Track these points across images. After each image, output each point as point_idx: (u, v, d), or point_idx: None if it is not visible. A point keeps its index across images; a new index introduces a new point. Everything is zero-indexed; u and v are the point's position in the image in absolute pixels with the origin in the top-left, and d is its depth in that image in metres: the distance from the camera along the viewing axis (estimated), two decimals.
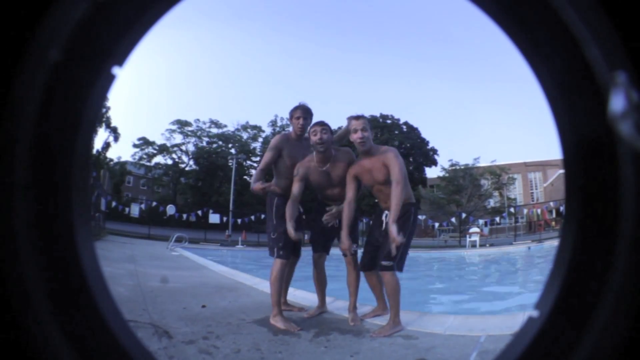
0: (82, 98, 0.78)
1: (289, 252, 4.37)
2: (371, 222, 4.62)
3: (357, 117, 4.20)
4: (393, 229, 3.68)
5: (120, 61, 0.81)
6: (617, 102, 0.66)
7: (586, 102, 0.76)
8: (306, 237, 5.43)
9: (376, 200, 4.42)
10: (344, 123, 4.57)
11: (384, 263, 4.02)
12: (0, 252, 0.74)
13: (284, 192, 4.38)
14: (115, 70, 0.81)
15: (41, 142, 0.75)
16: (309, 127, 4.41)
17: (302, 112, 4.46)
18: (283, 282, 4.42)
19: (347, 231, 4.13)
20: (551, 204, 32.60)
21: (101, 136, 37.13)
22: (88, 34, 0.77)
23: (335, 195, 4.46)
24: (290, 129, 4.65)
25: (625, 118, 0.65)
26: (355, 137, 4.16)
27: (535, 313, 0.88)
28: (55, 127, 0.76)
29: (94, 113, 0.80)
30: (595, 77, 0.74)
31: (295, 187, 4.28)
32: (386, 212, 4.25)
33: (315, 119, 4.53)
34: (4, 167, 0.73)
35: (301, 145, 4.52)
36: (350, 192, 4.27)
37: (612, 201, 0.77)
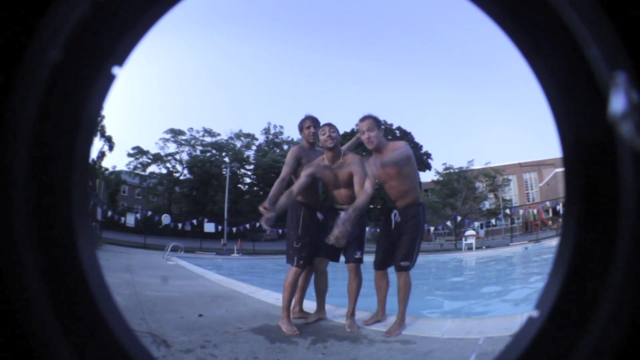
0: (82, 98, 0.77)
1: (308, 262, 4.50)
2: (381, 221, 4.69)
3: (363, 119, 4.41)
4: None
5: (120, 61, 0.81)
6: (617, 102, 0.66)
7: (586, 102, 0.76)
8: None
9: (378, 206, 4.50)
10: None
11: (403, 264, 4.18)
12: (0, 253, 0.73)
13: (309, 202, 4.56)
14: (115, 70, 0.80)
15: (41, 142, 0.75)
16: (317, 132, 4.58)
17: (311, 122, 4.71)
18: (296, 288, 4.51)
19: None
20: (547, 203, 32.64)
21: (96, 145, 36.98)
22: (88, 34, 0.76)
23: (342, 197, 4.55)
24: (301, 137, 4.83)
25: (625, 118, 0.65)
26: (363, 138, 4.39)
27: (535, 313, 0.87)
28: (55, 127, 0.76)
29: (94, 113, 0.79)
30: (595, 77, 0.74)
31: (300, 182, 4.34)
32: (395, 211, 4.39)
33: None
34: (4, 167, 0.72)
35: (315, 154, 4.67)
36: (367, 184, 4.32)
37: (612, 201, 0.76)
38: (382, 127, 4.44)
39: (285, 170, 4.47)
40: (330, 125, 4.46)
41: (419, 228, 4.30)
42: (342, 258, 4.60)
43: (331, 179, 4.50)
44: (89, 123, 0.79)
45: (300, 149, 4.63)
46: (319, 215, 4.67)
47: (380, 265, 4.43)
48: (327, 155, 4.47)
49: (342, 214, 3.79)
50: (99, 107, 0.81)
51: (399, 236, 4.30)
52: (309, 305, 4.83)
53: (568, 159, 0.81)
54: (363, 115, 4.36)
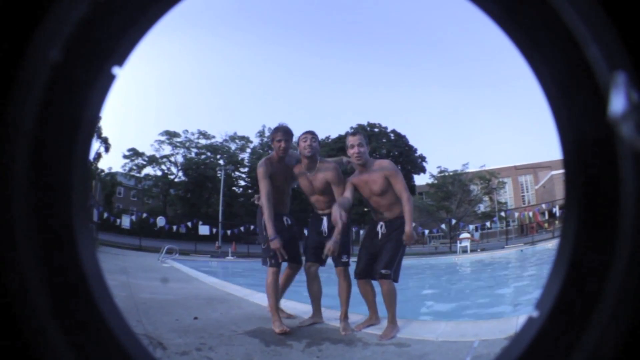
0: (82, 98, 0.77)
1: (280, 261, 4.52)
2: (365, 231, 4.69)
3: (354, 133, 4.49)
4: (412, 233, 4.18)
5: (120, 61, 0.81)
6: (617, 102, 0.66)
7: (586, 102, 0.76)
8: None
9: (366, 209, 4.53)
10: (330, 132, 4.73)
11: (383, 271, 4.19)
12: (0, 253, 0.73)
13: (273, 208, 4.53)
14: (115, 70, 0.80)
15: (41, 142, 0.74)
16: (299, 137, 4.65)
17: (283, 135, 4.58)
18: (277, 288, 4.53)
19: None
20: (543, 206, 32.62)
21: (92, 147, 36.80)
22: (88, 34, 0.76)
23: (320, 203, 4.69)
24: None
25: (626, 118, 0.65)
26: (351, 152, 4.42)
27: (535, 313, 0.87)
28: (55, 127, 0.75)
29: (94, 113, 0.79)
30: (595, 77, 0.74)
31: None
32: (381, 222, 4.44)
33: (303, 129, 4.73)
34: (4, 167, 0.72)
35: (283, 167, 4.68)
36: (347, 193, 4.43)
37: (612, 201, 0.76)
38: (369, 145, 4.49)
39: (265, 188, 4.43)
40: (312, 133, 4.55)
41: (402, 239, 4.31)
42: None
43: (307, 186, 4.64)
44: (89, 123, 0.79)
45: (268, 166, 4.55)
46: (286, 219, 4.73)
47: (361, 274, 4.46)
48: (304, 162, 4.58)
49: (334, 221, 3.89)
50: (99, 107, 0.81)
51: (382, 246, 4.34)
52: (300, 308, 4.85)
53: (568, 159, 0.81)
54: (353, 129, 4.43)
